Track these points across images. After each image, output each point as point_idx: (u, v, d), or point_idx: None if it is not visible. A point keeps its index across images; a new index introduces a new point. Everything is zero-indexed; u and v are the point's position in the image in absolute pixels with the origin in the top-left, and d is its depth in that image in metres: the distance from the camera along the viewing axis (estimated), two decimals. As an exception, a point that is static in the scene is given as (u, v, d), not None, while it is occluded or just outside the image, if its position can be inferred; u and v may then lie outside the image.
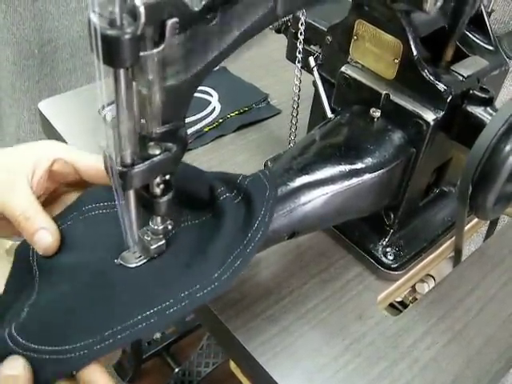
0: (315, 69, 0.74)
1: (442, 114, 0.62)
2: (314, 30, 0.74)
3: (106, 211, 0.56)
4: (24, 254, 0.53)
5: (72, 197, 0.59)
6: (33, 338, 0.46)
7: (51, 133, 0.95)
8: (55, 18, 1.44)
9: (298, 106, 0.77)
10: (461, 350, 0.67)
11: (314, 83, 0.74)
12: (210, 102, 0.99)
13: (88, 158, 0.57)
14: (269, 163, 0.85)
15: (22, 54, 1.40)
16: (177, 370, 1.50)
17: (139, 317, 0.47)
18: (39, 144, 0.58)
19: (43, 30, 1.43)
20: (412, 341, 0.67)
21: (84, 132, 0.91)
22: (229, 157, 0.90)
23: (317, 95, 0.75)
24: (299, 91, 0.76)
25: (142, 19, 0.34)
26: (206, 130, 0.93)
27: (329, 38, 0.70)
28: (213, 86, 1.02)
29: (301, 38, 0.72)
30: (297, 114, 0.78)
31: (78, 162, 0.57)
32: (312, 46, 0.77)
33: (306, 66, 0.76)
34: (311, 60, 0.75)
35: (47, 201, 0.59)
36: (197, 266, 0.50)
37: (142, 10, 0.34)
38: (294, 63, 0.76)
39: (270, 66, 1.10)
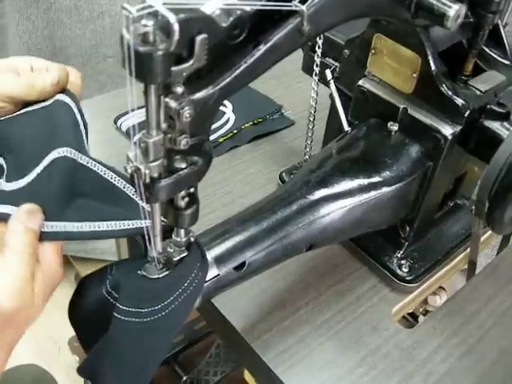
0: (332, 82, 0.75)
1: (459, 128, 0.62)
2: (331, 44, 0.75)
3: None
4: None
5: None
6: None
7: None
8: (67, 27, 1.45)
9: (314, 119, 0.77)
10: (475, 363, 0.67)
11: (331, 96, 0.75)
12: (224, 113, 0.99)
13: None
14: (283, 175, 0.85)
15: (34, 62, 1.41)
16: (185, 378, 1.49)
17: None
18: None
19: (55, 39, 1.44)
20: (427, 353, 0.67)
21: (97, 143, 0.92)
22: (243, 168, 0.91)
23: (333, 108, 0.75)
24: (316, 104, 0.77)
25: (176, 36, 0.35)
26: (221, 140, 0.93)
27: (346, 51, 0.71)
28: None
29: (318, 51, 0.72)
30: (313, 127, 0.78)
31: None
32: (328, 59, 0.78)
33: (322, 79, 0.76)
34: (328, 73, 0.75)
35: None
36: None
37: (176, 27, 0.34)
38: (311, 76, 0.76)
39: (282, 77, 1.11)
